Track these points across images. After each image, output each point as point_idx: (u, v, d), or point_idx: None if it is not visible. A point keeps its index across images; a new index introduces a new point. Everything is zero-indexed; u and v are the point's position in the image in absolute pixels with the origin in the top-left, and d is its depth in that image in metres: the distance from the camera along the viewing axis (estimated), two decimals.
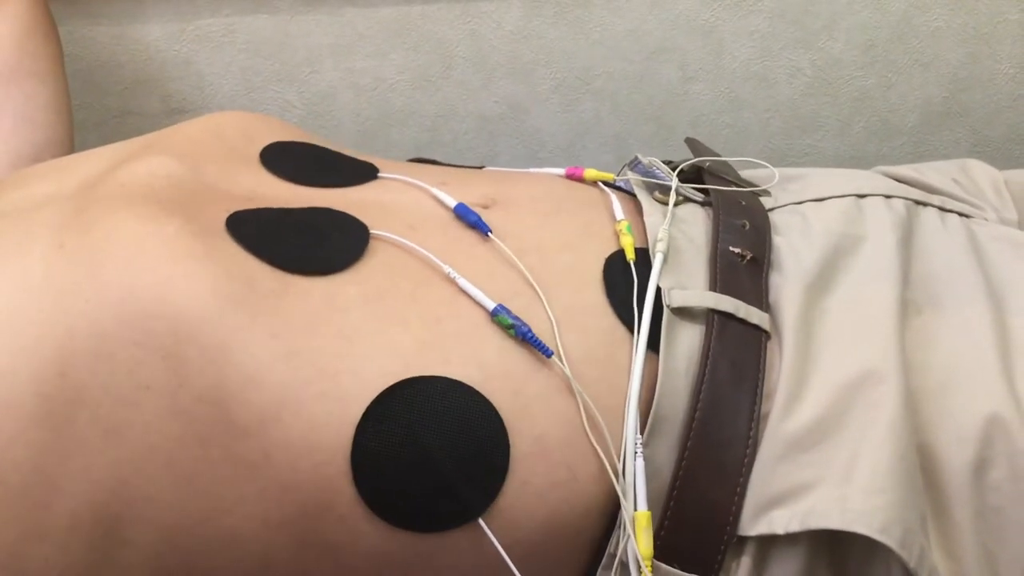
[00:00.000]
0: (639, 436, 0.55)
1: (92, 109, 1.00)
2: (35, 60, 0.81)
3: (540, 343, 0.55)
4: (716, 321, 0.60)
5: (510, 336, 0.56)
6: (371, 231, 0.59)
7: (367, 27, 0.98)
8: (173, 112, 1.01)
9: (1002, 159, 1.11)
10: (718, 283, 0.62)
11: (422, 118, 1.05)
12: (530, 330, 0.55)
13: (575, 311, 0.59)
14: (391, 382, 0.52)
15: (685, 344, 0.59)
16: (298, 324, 0.52)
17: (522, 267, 0.59)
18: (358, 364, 0.52)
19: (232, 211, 0.58)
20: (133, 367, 0.50)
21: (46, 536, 0.49)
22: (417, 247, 0.59)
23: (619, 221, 0.65)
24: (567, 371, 0.55)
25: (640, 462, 0.55)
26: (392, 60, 1.01)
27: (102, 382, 0.49)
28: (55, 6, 0.87)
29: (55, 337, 0.49)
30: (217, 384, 0.50)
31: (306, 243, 0.57)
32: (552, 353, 0.55)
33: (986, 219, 0.73)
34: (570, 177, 0.74)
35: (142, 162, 0.61)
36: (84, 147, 0.77)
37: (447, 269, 0.58)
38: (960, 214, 0.73)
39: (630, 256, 0.62)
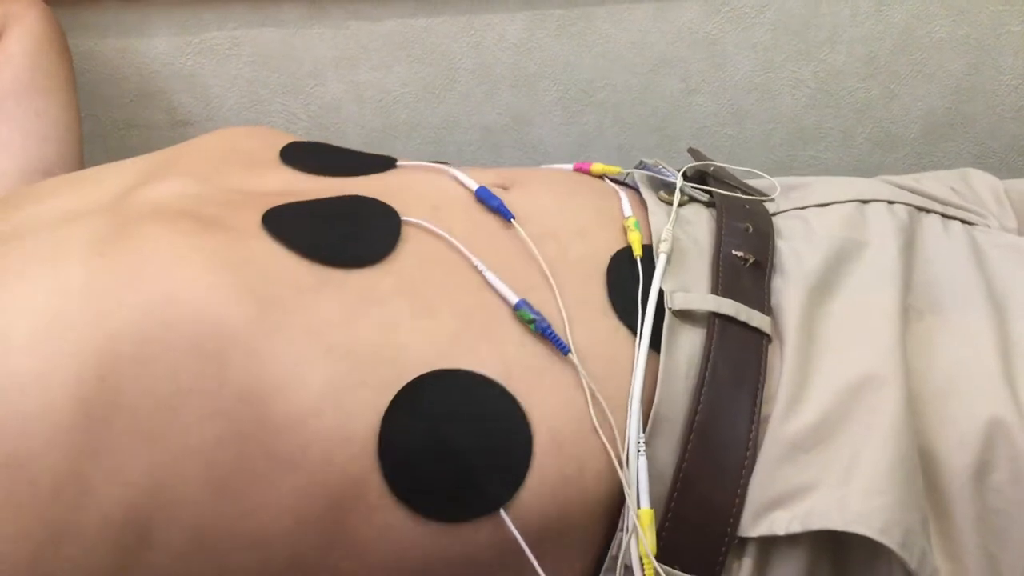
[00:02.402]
0: (642, 435, 0.56)
1: (98, 121, 1.01)
2: (47, 77, 0.82)
3: (559, 339, 0.56)
4: (717, 324, 0.60)
5: (529, 330, 0.57)
6: (401, 218, 0.61)
7: (371, 40, 0.99)
8: (178, 124, 1.02)
9: (1005, 170, 1.12)
10: (720, 286, 0.62)
11: (426, 130, 1.06)
12: (550, 326, 0.57)
13: (583, 308, 0.60)
14: (424, 372, 0.53)
15: (686, 347, 0.59)
16: (336, 320, 0.54)
17: (541, 261, 0.61)
18: (394, 354, 0.53)
19: (267, 208, 0.59)
20: (174, 372, 0.50)
21: (74, 538, 0.49)
22: (448, 236, 0.60)
23: (627, 218, 0.66)
24: (580, 368, 0.56)
25: (643, 460, 0.55)
26: (396, 72, 1.01)
27: (142, 386, 0.50)
28: (61, 19, 0.88)
29: (96, 341, 0.49)
30: (258, 384, 0.51)
31: (342, 235, 0.59)
32: (569, 350, 0.56)
33: (988, 226, 0.73)
34: (578, 171, 0.75)
35: (169, 183, 0.62)
36: (90, 159, 0.77)
37: (476, 261, 0.59)
38: (963, 221, 0.73)
39: (637, 252, 0.63)
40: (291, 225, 0.58)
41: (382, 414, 0.52)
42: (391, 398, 0.52)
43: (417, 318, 0.55)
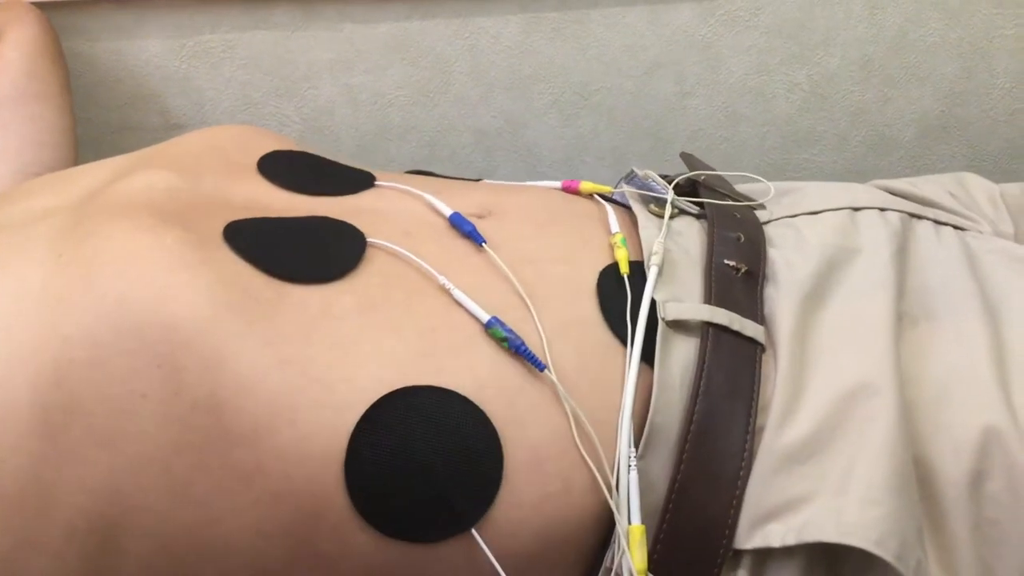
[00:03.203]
0: (633, 449, 0.55)
1: (92, 124, 1.00)
2: (42, 83, 0.82)
3: (533, 356, 0.55)
4: (711, 334, 0.60)
5: (504, 348, 0.56)
6: (368, 239, 0.60)
7: (365, 43, 0.99)
8: (172, 127, 1.02)
9: (999, 173, 1.12)
10: (713, 296, 0.62)
11: (420, 133, 1.05)
12: (523, 343, 0.55)
13: (569, 324, 0.59)
14: (385, 391, 0.52)
15: (680, 357, 0.59)
16: (293, 333, 0.52)
17: (514, 280, 0.59)
18: (352, 373, 0.52)
19: (230, 220, 0.58)
20: (128, 375, 0.49)
21: (41, 545, 0.49)
22: (413, 256, 0.59)
23: (614, 234, 0.65)
24: (558, 384, 0.55)
25: (634, 475, 0.55)
26: (390, 75, 1.01)
27: (97, 391, 0.49)
28: (55, 22, 0.88)
29: (51, 346, 0.49)
30: (212, 392, 0.50)
31: (303, 251, 0.58)
32: (545, 367, 0.55)
33: (981, 232, 0.73)
34: (566, 190, 0.74)
35: (140, 175, 0.61)
36: (83, 162, 0.77)
37: (442, 280, 0.58)
38: (955, 227, 0.73)
39: (624, 270, 0.62)
40: (252, 240, 0.57)
41: (347, 433, 0.51)
42: (355, 417, 0.51)
43: (379, 336, 0.54)
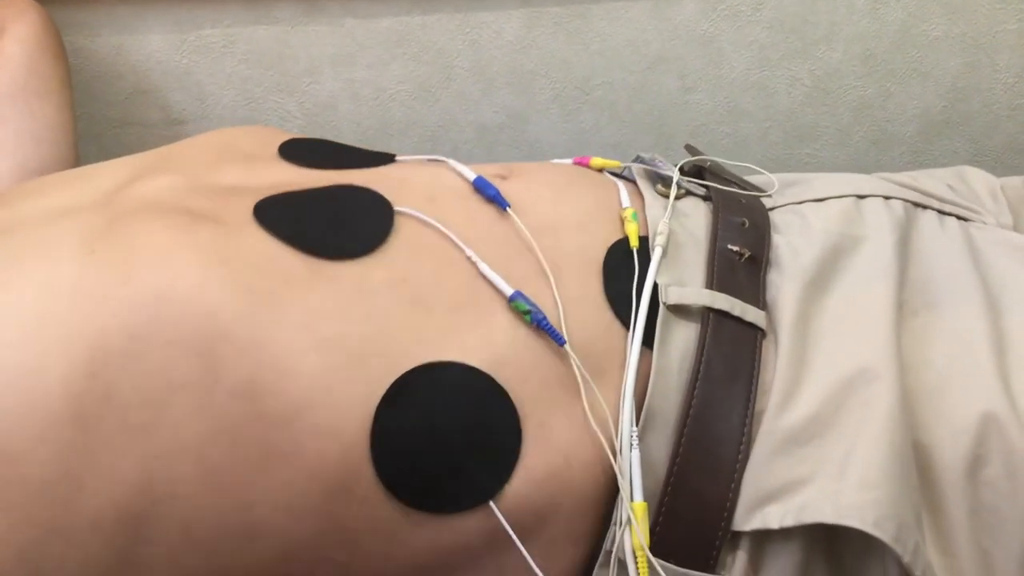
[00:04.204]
0: (635, 428, 0.56)
1: (93, 119, 1.00)
2: (43, 80, 0.82)
3: (554, 331, 0.56)
4: (712, 319, 0.60)
5: (524, 322, 0.57)
6: (395, 208, 0.60)
7: (367, 37, 0.99)
8: (173, 123, 1.02)
9: (1001, 168, 1.12)
10: (715, 281, 0.62)
11: (422, 128, 1.05)
12: (545, 317, 0.56)
13: (578, 302, 0.59)
14: (412, 366, 0.53)
15: (680, 341, 0.59)
16: (328, 311, 0.53)
17: (539, 254, 0.61)
18: (384, 347, 0.53)
19: (258, 200, 0.59)
20: (166, 366, 0.50)
21: (66, 534, 0.49)
22: (441, 227, 0.60)
23: (625, 208, 0.66)
24: (575, 360, 0.56)
25: (636, 453, 0.55)
26: (392, 70, 1.01)
27: (133, 382, 0.49)
28: (56, 17, 0.88)
29: (86, 338, 0.49)
30: (250, 378, 0.50)
31: (334, 224, 0.58)
32: (565, 342, 0.56)
33: (984, 223, 0.73)
34: (577, 165, 0.75)
35: (161, 178, 0.61)
36: (85, 158, 0.77)
37: (469, 252, 0.59)
38: (959, 217, 0.73)
39: (634, 244, 0.63)
40: (282, 215, 0.58)
41: (374, 407, 0.52)
42: (382, 391, 0.52)
43: (408, 310, 0.55)
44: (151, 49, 0.97)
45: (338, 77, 1.01)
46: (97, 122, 1.01)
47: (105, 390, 0.49)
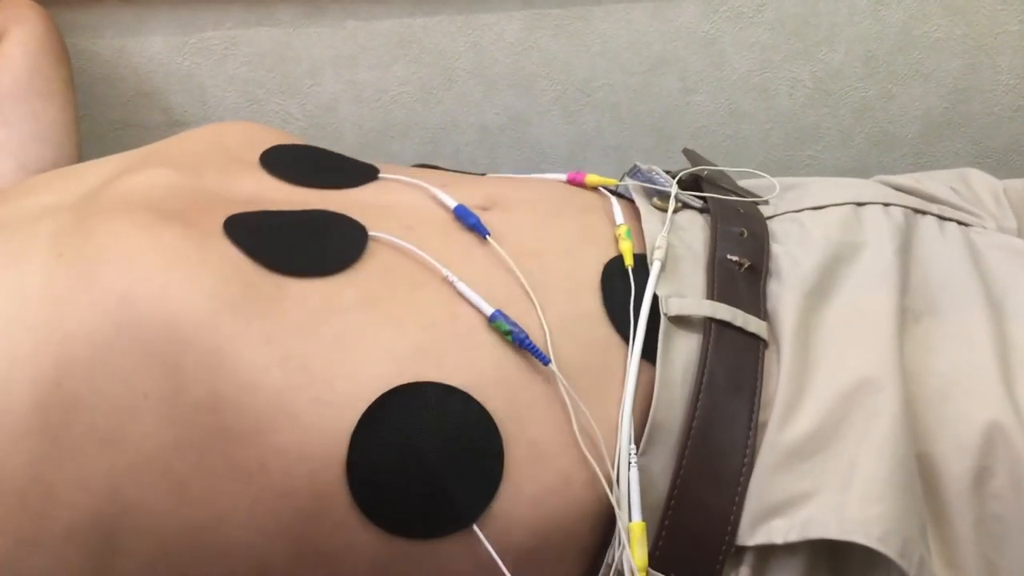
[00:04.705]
0: (633, 446, 0.55)
1: (94, 121, 1.00)
2: (46, 81, 0.82)
3: (537, 350, 0.55)
4: (713, 330, 0.60)
5: (507, 342, 0.55)
6: (369, 232, 0.59)
7: (369, 39, 0.99)
8: (175, 124, 1.01)
9: (1003, 170, 1.11)
10: (715, 291, 0.62)
11: (424, 130, 1.05)
12: (527, 337, 0.55)
13: (571, 319, 0.59)
14: (386, 387, 0.52)
15: (682, 353, 0.59)
16: (294, 328, 0.52)
17: (519, 272, 0.59)
18: (353, 369, 0.52)
19: (231, 214, 0.58)
20: (130, 375, 0.49)
21: (42, 545, 0.49)
22: (415, 248, 0.58)
23: (618, 226, 0.65)
24: (561, 379, 0.55)
25: (635, 472, 0.55)
26: (394, 72, 1.01)
27: (99, 390, 0.49)
28: (58, 19, 0.88)
29: (52, 346, 0.49)
30: (213, 391, 0.50)
31: (304, 245, 0.57)
32: (549, 360, 0.55)
33: (985, 227, 0.73)
34: (571, 182, 0.74)
35: (142, 173, 0.61)
36: (86, 159, 0.77)
37: (445, 272, 0.57)
38: (959, 222, 0.73)
39: (628, 262, 0.62)
40: (253, 233, 0.56)
41: (347, 431, 0.51)
42: (357, 414, 0.51)
43: (380, 330, 0.54)
44: (153, 51, 0.97)
45: (340, 79, 1.01)
46: (99, 124, 1.01)
47: (71, 399, 0.49)
